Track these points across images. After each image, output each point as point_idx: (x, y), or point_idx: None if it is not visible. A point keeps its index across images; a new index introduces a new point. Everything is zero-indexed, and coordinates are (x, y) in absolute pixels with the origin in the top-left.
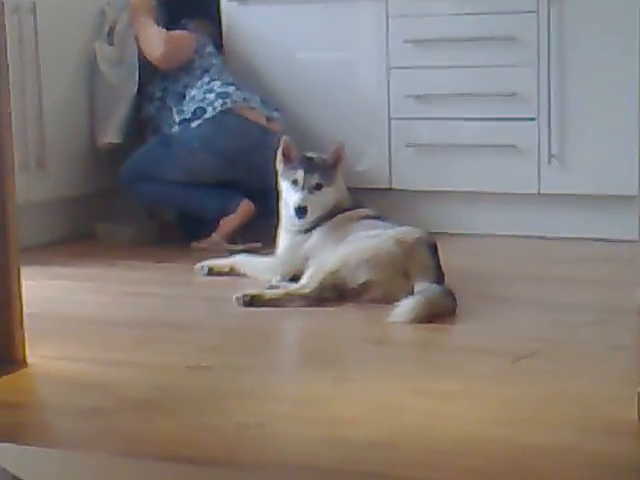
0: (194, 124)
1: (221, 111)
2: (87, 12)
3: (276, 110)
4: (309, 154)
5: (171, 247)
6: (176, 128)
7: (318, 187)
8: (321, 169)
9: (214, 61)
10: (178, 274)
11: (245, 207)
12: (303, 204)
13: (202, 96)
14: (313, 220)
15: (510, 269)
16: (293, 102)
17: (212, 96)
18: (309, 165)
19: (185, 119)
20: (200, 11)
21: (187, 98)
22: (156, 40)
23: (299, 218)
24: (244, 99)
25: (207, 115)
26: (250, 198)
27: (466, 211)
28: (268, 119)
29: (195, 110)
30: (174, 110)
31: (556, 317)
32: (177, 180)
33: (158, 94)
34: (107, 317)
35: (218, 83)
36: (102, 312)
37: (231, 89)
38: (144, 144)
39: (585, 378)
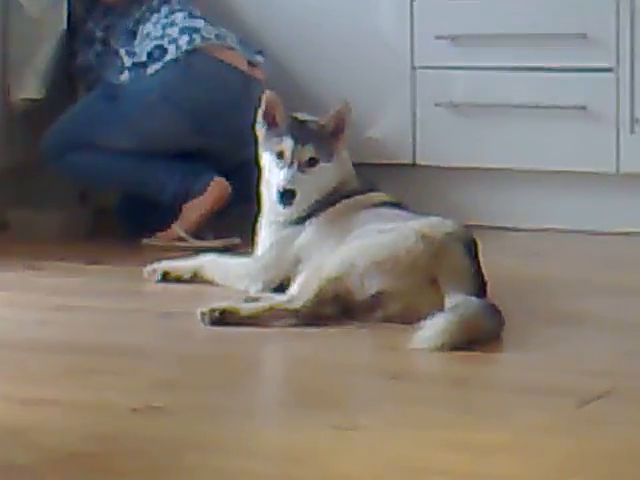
0: (151, 69)
1: (188, 51)
2: None
3: (259, 53)
4: (301, 116)
5: (111, 243)
6: (126, 75)
7: (312, 163)
8: (317, 138)
9: None
10: (121, 281)
11: (217, 187)
12: (290, 186)
13: (161, 32)
14: (305, 208)
15: (576, 276)
16: (282, 46)
17: (175, 31)
18: (301, 132)
19: (138, 63)
20: None
21: (139, 37)
22: None
23: (284, 205)
24: (217, 36)
25: (169, 56)
26: (225, 175)
27: (516, 197)
28: (250, 64)
29: (152, 50)
30: (122, 52)
31: (637, 345)
32: (124, 148)
33: (99, 34)
34: (23, 340)
35: (181, 15)
36: (17, 333)
37: (200, 23)
38: (78, 101)
39: None
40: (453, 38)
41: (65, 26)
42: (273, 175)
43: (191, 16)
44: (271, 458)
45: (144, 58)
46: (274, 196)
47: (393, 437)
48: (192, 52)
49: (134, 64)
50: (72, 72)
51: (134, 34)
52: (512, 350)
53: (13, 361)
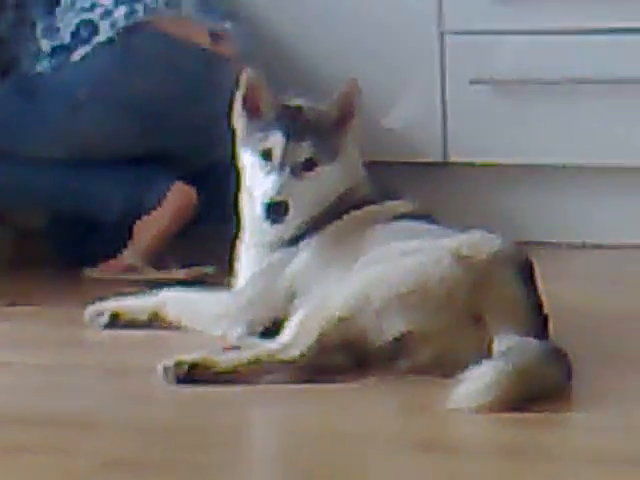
0: (77, 55)
1: (127, 28)
2: None
3: (228, 18)
4: (293, 102)
5: (40, 276)
6: (45, 64)
7: (309, 165)
8: (316, 131)
9: None
10: (56, 327)
11: (179, 196)
12: (279, 197)
13: (89, 2)
14: (301, 224)
15: None
16: (265, 7)
17: (108, 1)
18: (294, 123)
19: (60, 46)
20: None
21: (62, 5)
22: None
23: (272, 222)
24: (167, 3)
25: (101, 37)
26: (189, 181)
27: (583, 203)
28: (214, 36)
29: (77, 28)
30: (39, 30)
31: None
32: (50, 158)
33: (12, 0)
34: None
35: None
36: None
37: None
38: None
39: None
40: None
41: None
42: (257, 182)
43: None
44: None
45: (67, 39)
46: (259, 210)
47: None
48: (132, 29)
49: (54, 48)
50: None
51: (57, 3)
52: (584, 409)
53: None
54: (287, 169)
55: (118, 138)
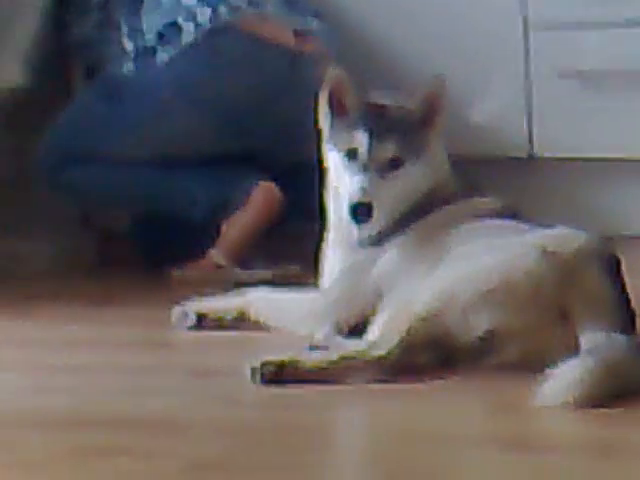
0: (162, 57)
1: (210, 30)
2: None
3: (315, 16)
4: (379, 100)
5: (126, 278)
6: (130, 66)
7: (395, 164)
8: (402, 130)
9: None
10: (142, 328)
11: (264, 195)
12: (365, 198)
13: (173, 3)
14: (387, 223)
15: None
16: (350, 5)
17: (192, 2)
18: (380, 122)
19: (145, 48)
20: None
21: (146, 8)
22: None
23: (358, 223)
24: (251, 1)
25: (185, 38)
26: (275, 181)
27: None
28: (298, 34)
29: (163, 30)
30: (125, 31)
31: None
32: (136, 159)
33: (96, 1)
34: (16, 413)
35: None
36: (7, 404)
37: None
38: (74, 96)
39: None
40: None
41: None
42: (343, 182)
43: None
44: None
45: (152, 41)
46: (345, 210)
47: None
48: (217, 30)
49: (140, 50)
50: (66, 51)
51: (140, 1)
52: None
53: (1, 442)
54: (372, 169)
55: (203, 139)
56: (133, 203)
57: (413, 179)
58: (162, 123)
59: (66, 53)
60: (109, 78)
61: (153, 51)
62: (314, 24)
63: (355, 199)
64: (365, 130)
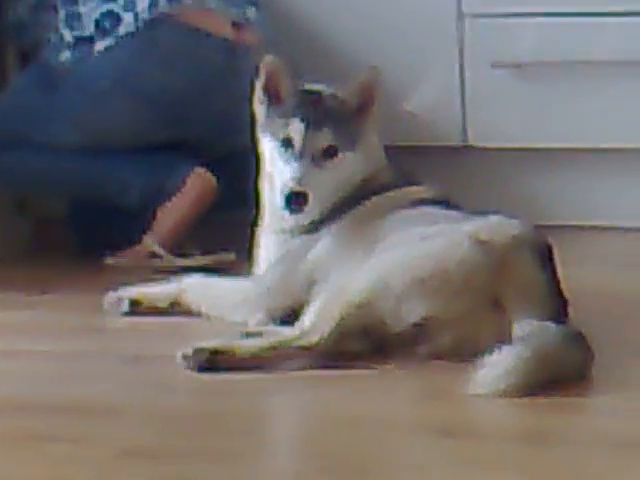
0: (100, 46)
1: (149, 21)
2: None
3: (252, 4)
4: (313, 87)
5: (61, 264)
6: (67, 55)
7: (330, 152)
8: (337, 118)
9: None
10: (76, 315)
11: (199, 181)
12: (300, 187)
13: None
14: (322, 211)
15: None
16: None
17: None
18: (315, 110)
19: (83, 38)
20: None
21: None
22: None
23: (292, 211)
24: None
25: (124, 28)
26: (209, 168)
27: (605, 186)
28: (236, 25)
29: (101, 19)
30: (61, 18)
31: None
32: (69, 146)
33: None
34: None
35: None
36: None
37: None
38: (8, 82)
39: None
40: None
41: None
42: (277, 170)
43: None
44: None
45: (90, 30)
46: (279, 199)
47: None
48: (155, 21)
49: (77, 39)
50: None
51: None
52: (603, 392)
53: None
54: (307, 158)
55: (138, 128)
56: (65, 189)
57: (348, 168)
58: (97, 113)
59: (0, 38)
60: (45, 65)
61: (91, 40)
62: (252, 14)
63: (289, 188)
64: (300, 119)
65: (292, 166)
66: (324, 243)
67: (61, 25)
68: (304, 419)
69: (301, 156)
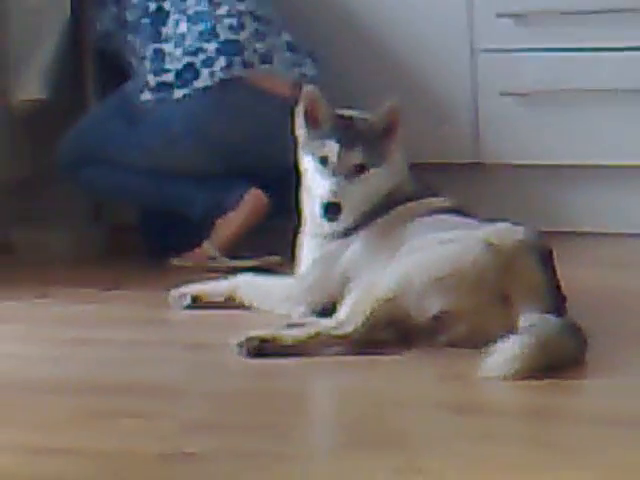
0: (178, 94)
1: (224, 80)
2: None
3: (310, 56)
4: (348, 113)
5: (132, 264)
6: (148, 96)
7: (361, 169)
8: (366, 140)
9: None
10: (144, 308)
11: (253, 200)
12: (335, 199)
13: (197, 43)
14: (354, 219)
15: None
16: (330, 35)
17: (212, 47)
18: (347, 133)
19: (164, 84)
20: None
21: (171, 31)
22: None
23: (329, 220)
24: (262, 55)
25: (200, 83)
26: (262, 187)
27: (601, 197)
28: (296, 84)
29: (183, 69)
30: (149, 55)
31: None
32: (143, 169)
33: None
34: (34, 379)
35: (225, 11)
36: (26, 371)
37: (245, 34)
38: (88, 107)
39: None
40: (519, 16)
41: (69, 14)
42: (316, 184)
43: (236, 18)
44: None
45: (171, 78)
46: (317, 209)
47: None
48: (228, 81)
49: (159, 84)
50: (92, 48)
51: (164, 19)
52: (597, 376)
53: (23, 404)
54: (341, 173)
55: (201, 165)
56: (140, 200)
57: (376, 182)
58: (167, 151)
59: (95, 50)
60: (128, 101)
61: (171, 87)
62: (311, 70)
63: (326, 199)
64: (335, 139)
65: (328, 181)
66: (356, 247)
67: (147, 67)
68: (338, 397)
69: (335, 172)
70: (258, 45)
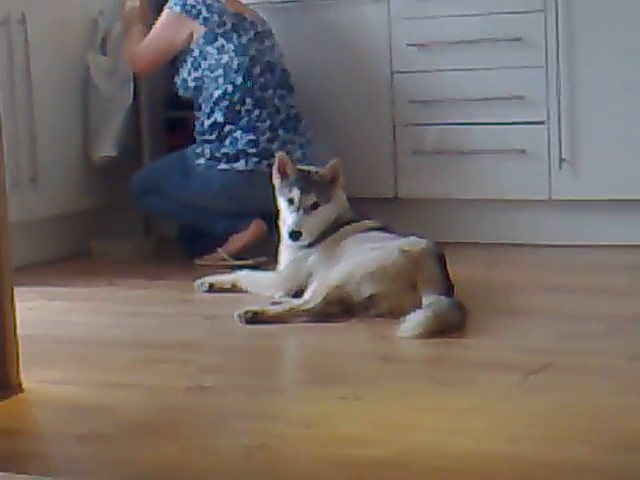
0: (222, 166)
1: (253, 170)
2: (79, 22)
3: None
4: (305, 168)
5: (169, 263)
6: (202, 162)
7: (315, 206)
8: (318, 186)
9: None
10: (177, 291)
11: (257, 226)
12: (296, 228)
13: (244, 146)
14: (313, 237)
15: (522, 279)
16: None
17: (252, 151)
18: (306, 182)
19: (215, 157)
20: None
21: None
22: (140, 53)
23: (293, 241)
24: (268, 161)
25: (237, 166)
26: (263, 218)
27: (475, 219)
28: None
29: (231, 153)
30: (208, 119)
31: (570, 328)
32: (187, 204)
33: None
34: (105, 338)
35: (266, 127)
36: (100, 333)
37: (275, 146)
38: (149, 158)
39: (600, 391)
40: (423, 102)
41: (131, 101)
42: (285, 216)
43: (272, 130)
44: (294, 423)
45: (220, 155)
46: (286, 234)
47: (386, 405)
48: (251, 171)
49: (212, 157)
50: (148, 122)
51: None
52: (474, 336)
53: (97, 355)
54: (301, 210)
55: (226, 210)
56: (181, 220)
57: (325, 214)
58: (206, 201)
59: (143, 129)
60: (188, 160)
61: (219, 160)
62: (310, 154)
63: (291, 229)
64: (297, 187)
65: (293, 215)
66: (316, 253)
67: (207, 138)
68: (304, 350)
69: (298, 209)
70: (291, 146)
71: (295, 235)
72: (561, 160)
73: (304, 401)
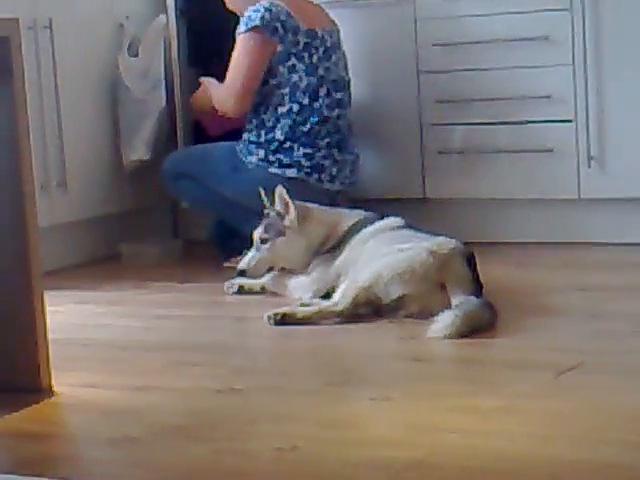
0: (273, 170)
1: (304, 180)
2: (105, 27)
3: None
4: (271, 209)
5: (198, 266)
6: (253, 161)
7: (264, 242)
8: (269, 222)
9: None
10: (206, 294)
11: None
12: (240, 267)
13: (300, 152)
14: (264, 271)
15: (551, 278)
16: None
17: (308, 163)
18: (265, 222)
19: (268, 160)
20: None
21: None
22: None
23: (240, 276)
24: (319, 175)
25: (290, 172)
26: None
27: (503, 219)
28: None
29: (285, 161)
30: (265, 135)
31: (600, 327)
32: (221, 195)
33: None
34: (135, 341)
35: (323, 144)
36: (130, 336)
37: (327, 163)
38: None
39: (631, 391)
40: (450, 102)
41: (164, 104)
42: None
43: (312, 147)
44: (324, 425)
45: (274, 158)
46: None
47: (416, 405)
48: (304, 181)
49: (265, 158)
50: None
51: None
52: (504, 336)
53: (127, 358)
54: (254, 249)
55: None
56: (212, 212)
57: (281, 246)
58: (246, 199)
59: (177, 133)
60: (236, 153)
61: (270, 164)
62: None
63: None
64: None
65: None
66: (343, 256)
67: (262, 140)
68: (334, 351)
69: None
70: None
71: (239, 273)
72: (589, 158)
73: (334, 403)
